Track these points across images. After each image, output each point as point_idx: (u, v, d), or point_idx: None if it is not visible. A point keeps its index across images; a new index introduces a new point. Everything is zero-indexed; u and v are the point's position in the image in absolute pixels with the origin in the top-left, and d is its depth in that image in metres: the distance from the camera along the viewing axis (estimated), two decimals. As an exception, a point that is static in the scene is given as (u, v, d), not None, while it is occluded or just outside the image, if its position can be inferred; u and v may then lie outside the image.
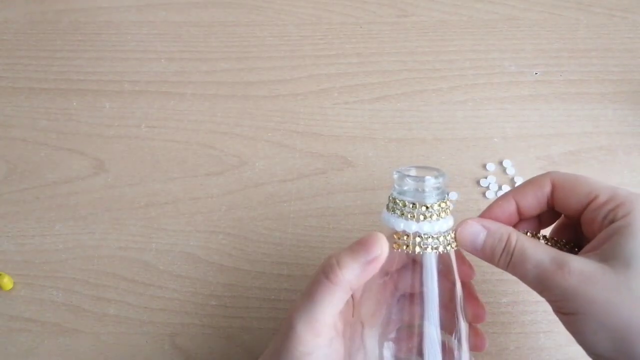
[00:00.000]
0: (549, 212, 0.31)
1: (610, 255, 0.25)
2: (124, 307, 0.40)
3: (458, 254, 0.30)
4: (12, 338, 0.40)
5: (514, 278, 0.27)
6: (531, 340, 0.38)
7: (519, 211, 0.30)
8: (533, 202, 0.30)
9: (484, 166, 0.44)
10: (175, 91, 0.47)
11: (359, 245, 0.27)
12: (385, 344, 0.28)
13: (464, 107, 0.46)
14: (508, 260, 0.27)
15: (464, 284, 0.30)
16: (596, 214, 0.27)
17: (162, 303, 0.40)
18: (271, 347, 0.29)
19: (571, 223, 0.31)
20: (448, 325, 0.28)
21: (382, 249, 0.27)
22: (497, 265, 0.28)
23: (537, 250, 0.27)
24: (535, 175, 0.43)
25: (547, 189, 0.29)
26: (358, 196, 0.43)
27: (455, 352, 0.28)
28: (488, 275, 0.40)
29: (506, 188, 0.43)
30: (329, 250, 0.41)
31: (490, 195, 0.42)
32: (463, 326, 0.28)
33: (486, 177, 0.43)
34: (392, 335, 0.29)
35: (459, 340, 0.28)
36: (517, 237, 0.28)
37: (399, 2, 0.51)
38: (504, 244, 0.28)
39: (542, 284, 0.26)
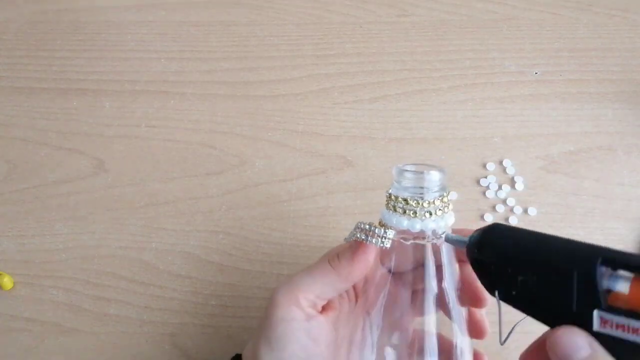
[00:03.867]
0: None
1: None
2: (124, 306, 0.40)
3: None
4: (12, 337, 0.40)
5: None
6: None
7: None
8: None
9: (484, 166, 0.44)
10: (175, 91, 0.47)
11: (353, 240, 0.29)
12: (388, 338, 0.29)
13: (464, 107, 0.46)
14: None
15: (462, 269, 0.30)
16: None
17: (162, 303, 0.40)
18: (260, 317, 0.29)
19: None
20: (447, 317, 0.28)
21: None
22: None
23: None
24: (535, 175, 0.43)
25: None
26: (358, 196, 0.43)
27: (455, 339, 0.28)
28: (488, 274, 0.39)
29: (506, 188, 0.43)
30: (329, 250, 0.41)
31: (490, 195, 0.43)
32: (462, 312, 0.29)
33: (486, 177, 0.43)
34: (396, 331, 0.29)
35: (459, 327, 0.28)
36: None
37: (399, 1, 0.51)
38: None
39: None
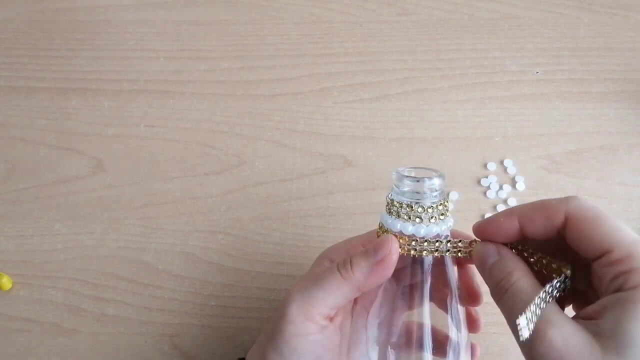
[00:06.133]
0: (559, 241, 0.26)
1: (605, 332, 0.21)
2: (123, 307, 0.40)
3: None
4: (11, 338, 0.39)
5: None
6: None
7: (522, 232, 0.26)
8: (539, 231, 0.25)
9: (485, 165, 0.43)
10: (174, 90, 0.47)
11: (371, 246, 0.27)
12: (386, 334, 0.29)
13: (464, 106, 0.46)
14: (500, 295, 0.25)
15: (461, 269, 0.30)
16: (605, 272, 0.23)
17: (161, 303, 0.40)
18: (267, 328, 0.29)
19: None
20: (444, 312, 0.29)
21: (390, 249, 0.27)
22: (492, 295, 0.26)
23: (529, 300, 0.23)
24: (536, 175, 0.43)
25: (559, 221, 0.25)
26: (358, 196, 0.43)
27: (452, 335, 0.28)
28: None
29: (507, 188, 0.42)
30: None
31: (491, 195, 0.42)
32: (460, 310, 0.29)
33: (487, 177, 0.43)
34: (393, 326, 0.29)
35: (457, 325, 0.28)
36: (519, 277, 0.25)
37: (399, 0, 0.51)
38: (502, 276, 0.25)
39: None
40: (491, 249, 0.27)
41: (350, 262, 0.27)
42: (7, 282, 0.40)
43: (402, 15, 0.50)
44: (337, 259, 0.31)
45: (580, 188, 0.42)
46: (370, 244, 0.28)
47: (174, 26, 0.50)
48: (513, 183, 0.43)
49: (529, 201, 0.42)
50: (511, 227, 0.26)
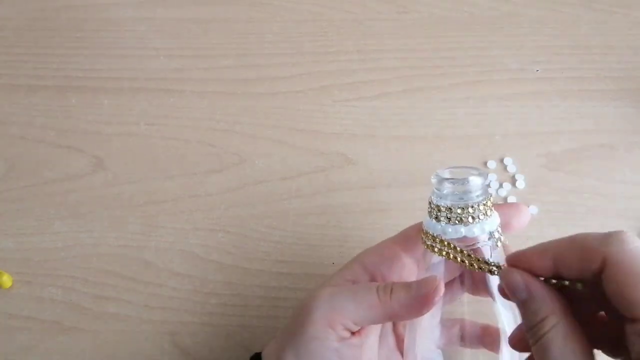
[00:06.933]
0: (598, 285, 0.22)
1: None
2: (123, 305, 0.40)
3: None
4: (11, 336, 0.39)
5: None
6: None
7: (556, 270, 0.23)
8: (575, 274, 0.23)
9: (485, 164, 0.43)
10: (174, 88, 0.47)
11: (415, 283, 0.27)
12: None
13: (465, 105, 0.46)
14: (533, 341, 0.23)
15: None
16: (635, 342, 0.20)
17: (161, 301, 0.40)
18: (288, 325, 0.29)
19: None
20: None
21: (435, 291, 0.26)
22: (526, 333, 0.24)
23: (564, 353, 0.21)
24: (536, 173, 0.43)
25: (596, 266, 0.21)
26: (358, 194, 0.43)
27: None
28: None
29: (507, 186, 0.42)
30: (329, 249, 0.41)
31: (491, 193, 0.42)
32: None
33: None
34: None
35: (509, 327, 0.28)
36: (552, 325, 0.22)
37: (399, -2, 0.51)
38: (535, 322, 0.23)
39: None
40: (519, 283, 0.24)
41: (392, 288, 0.27)
42: (7, 280, 0.40)
43: (402, 13, 0.50)
44: (370, 264, 0.30)
45: (580, 186, 0.42)
46: (415, 282, 0.27)
47: (174, 24, 0.50)
48: (513, 181, 0.43)
49: (530, 199, 0.42)
50: (543, 268, 0.24)
